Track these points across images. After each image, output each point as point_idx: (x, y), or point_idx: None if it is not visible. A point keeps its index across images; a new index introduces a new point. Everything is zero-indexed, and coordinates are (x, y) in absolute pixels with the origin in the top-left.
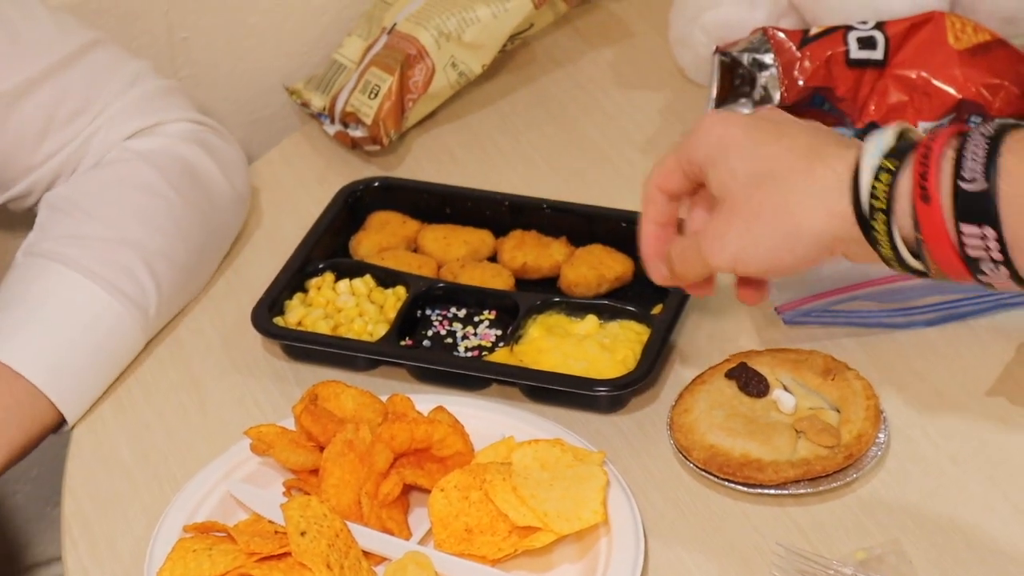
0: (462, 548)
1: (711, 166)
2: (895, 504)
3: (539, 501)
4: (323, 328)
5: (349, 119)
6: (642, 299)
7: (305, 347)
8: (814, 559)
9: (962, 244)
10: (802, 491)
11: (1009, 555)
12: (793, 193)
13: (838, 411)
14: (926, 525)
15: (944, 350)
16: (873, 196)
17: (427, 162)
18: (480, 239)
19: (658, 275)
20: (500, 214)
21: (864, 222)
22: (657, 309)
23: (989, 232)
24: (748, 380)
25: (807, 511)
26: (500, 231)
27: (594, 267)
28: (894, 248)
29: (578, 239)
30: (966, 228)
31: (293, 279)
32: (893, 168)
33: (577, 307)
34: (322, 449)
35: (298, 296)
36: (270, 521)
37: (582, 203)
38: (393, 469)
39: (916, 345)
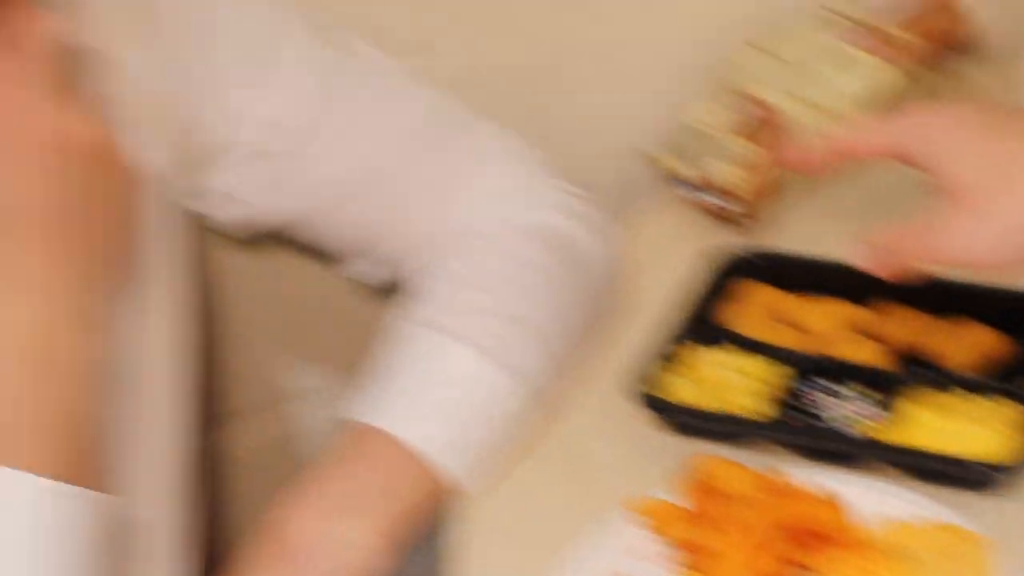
0: None
1: (941, 156)
2: None
3: None
4: (704, 401)
5: (726, 194)
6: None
7: (693, 423)
8: None
9: None
10: None
11: None
12: (1020, 171)
13: None
14: None
15: None
16: None
17: (787, 233)
18: (856, 314)
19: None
20: (870, 288)
21: None
22: None
23: None
24: None
25: None
26: (866, 303)
27: (974, 343)
28: None
29: (946, 312)
30: None
31: (664, 350)
32: None
33: (954, 383)
34: (714, 528)
35: (662, 365)
36: None
37: (957, 278)
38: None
39: None
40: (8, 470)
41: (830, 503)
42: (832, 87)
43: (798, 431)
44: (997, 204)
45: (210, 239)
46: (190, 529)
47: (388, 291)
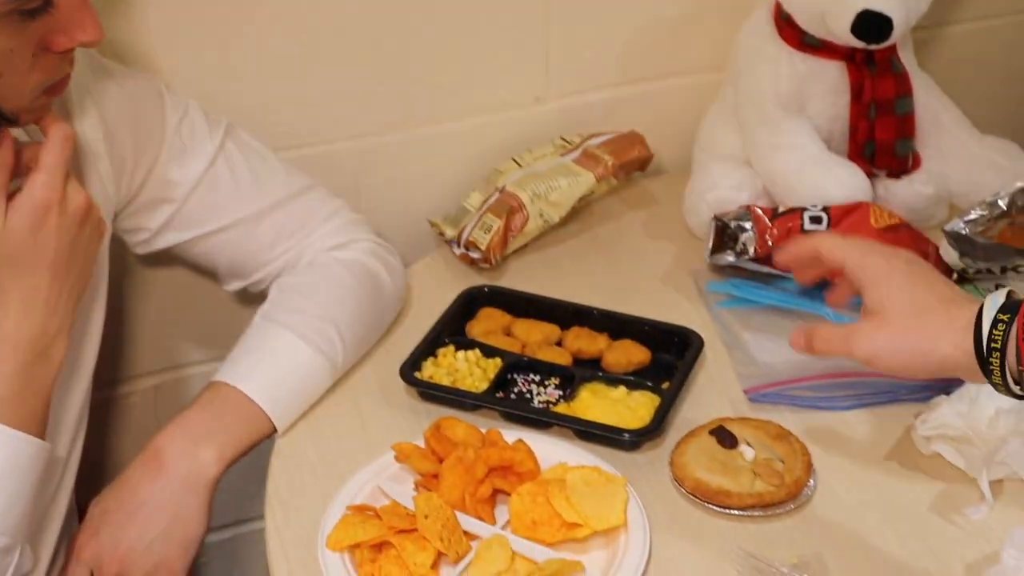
0: (529, 534)
1: (873, 286)
2: (819, 527)
3: (582, 507)
4: (446, 381)
5: (470, 246)
6: (656, 378)
7: (434, 393)
8: (763, 560)
9: None
10: (757, 514)
11: (896, 569)
12: (935, 326)
13: (783, 462)
14: (840, 543)
15: (857, 426)
16: (991, 340)
17: (520, 277)
18: (552, 330)
19: (796, 343)
20: (566, 315)
21: (982, 358)
22: (665, 385)
23: None
24: (723, 437)
25: (759, 527)
26: (565, 326)
27: (625, 354)
28: (1003, 377)
29: (615, 334)
30: None
31: (428, 348)
32: (1006, 320)
33: (613, 380)
34: (441, 461)
35: (431, 359)
36: (405, 507)
37: (618, 311)
38: (487, 478)
39: (839, 422)
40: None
41: (521, 450)
42: (557, 187)
43: (503, 403)
44: (910, 334)
45: (128, 257)
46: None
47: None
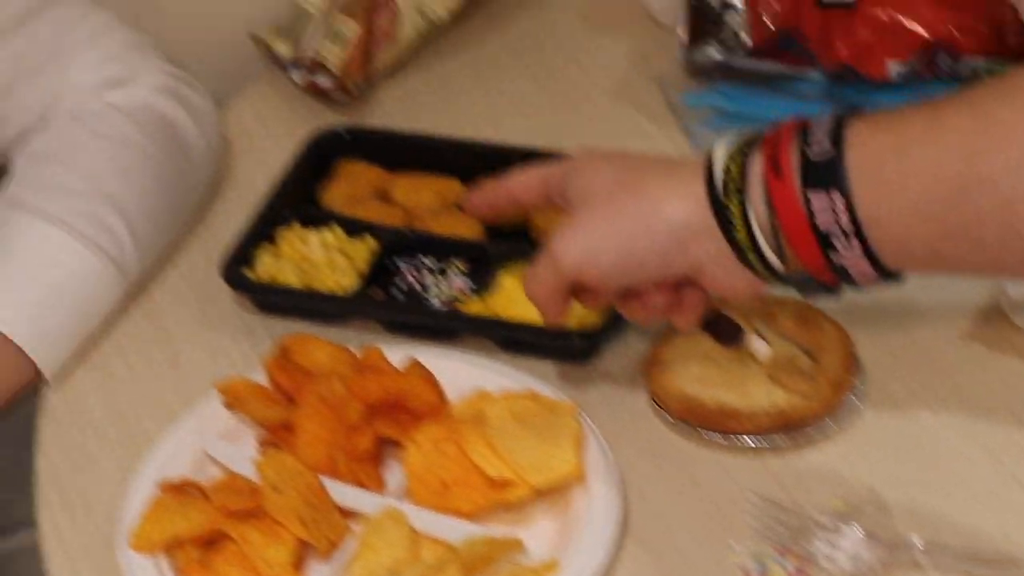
0: (438, 503)
1: (574, 171)
2: (873, 453)
3: (513, 453)
4: (293, 280)
5: (315, 68)
6: None
7: (275, 300)
8: (792, 508)
9: (812, 215)
10: (778, 440)
11: (985, 503)
12: (651, 180)
13: (812, 358)
14: (903, 475)
15: (918, 294)
16: (727, 175)
17: (396, 111)
18: (450, 187)
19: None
20: (471, 162)
21: (718, 204)
22: None
23: (838, 198)
24: (721, 329)
25: (784, 461)
26: (471, 179)
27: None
28: (750, 234)
29: None
30: (815, 196)
31: (262, 230)
32: (746, 151)
33: None
34: (294, 402)
35: (267, 248)
36: (245, 478)
37: (553, 150)
38: (366, 423)
39: (890, 294)
40: None
41: (415, 376)
42: None
43: (383, 306)
44: (621, 205)
45: None
46: None
47: None
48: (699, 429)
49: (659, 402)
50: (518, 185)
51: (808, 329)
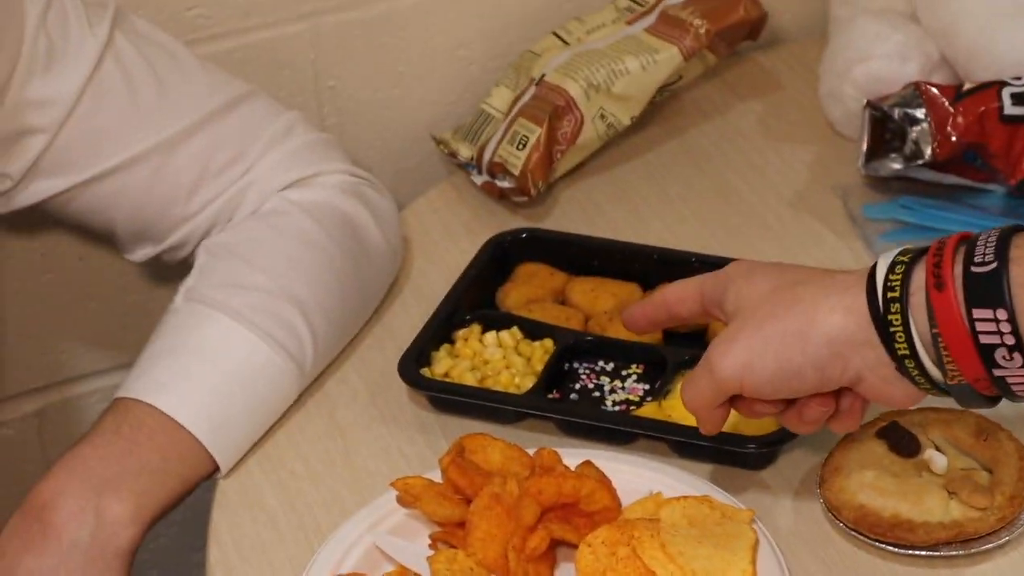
0: None
1: (731, 284)
2: None
3: (687, 559)
4: (470, 380)
5: (497, 170)
6: None
7: (451, 399)
8: None
9: (975, 331)
10: (953, 553)
11: None
12: (808, 292)
13: (990, 472)
14: None
15: None
16: (888, 288)
17: (575, 214)
18: (628, 292)
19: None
20: (648, 267)
21: (879, 316)
22: None
23: (1000, 313)
24: (899, 439)
25: (956, 572)
26: (648, 284)
27: None
28: (911, 345)
29: None
30: (978, 313)
31: (440, 330)
32: (907, 261)
33: None
34: (469, 502)
35: (445, 347)
36: (416, 575)
37: (730, 257)
38: (540, 523)
39: None
40: None
41: (590, 478)
42: (625, 73)
43: (559, 407)
44: (778, 319)
45: None
46: None
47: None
48: (873, 539)
49: (833, 510)
50: (674, 298)
51: (986, 442)
